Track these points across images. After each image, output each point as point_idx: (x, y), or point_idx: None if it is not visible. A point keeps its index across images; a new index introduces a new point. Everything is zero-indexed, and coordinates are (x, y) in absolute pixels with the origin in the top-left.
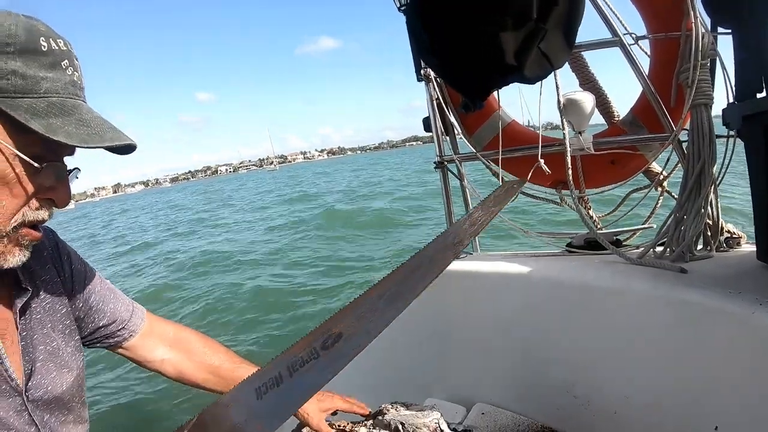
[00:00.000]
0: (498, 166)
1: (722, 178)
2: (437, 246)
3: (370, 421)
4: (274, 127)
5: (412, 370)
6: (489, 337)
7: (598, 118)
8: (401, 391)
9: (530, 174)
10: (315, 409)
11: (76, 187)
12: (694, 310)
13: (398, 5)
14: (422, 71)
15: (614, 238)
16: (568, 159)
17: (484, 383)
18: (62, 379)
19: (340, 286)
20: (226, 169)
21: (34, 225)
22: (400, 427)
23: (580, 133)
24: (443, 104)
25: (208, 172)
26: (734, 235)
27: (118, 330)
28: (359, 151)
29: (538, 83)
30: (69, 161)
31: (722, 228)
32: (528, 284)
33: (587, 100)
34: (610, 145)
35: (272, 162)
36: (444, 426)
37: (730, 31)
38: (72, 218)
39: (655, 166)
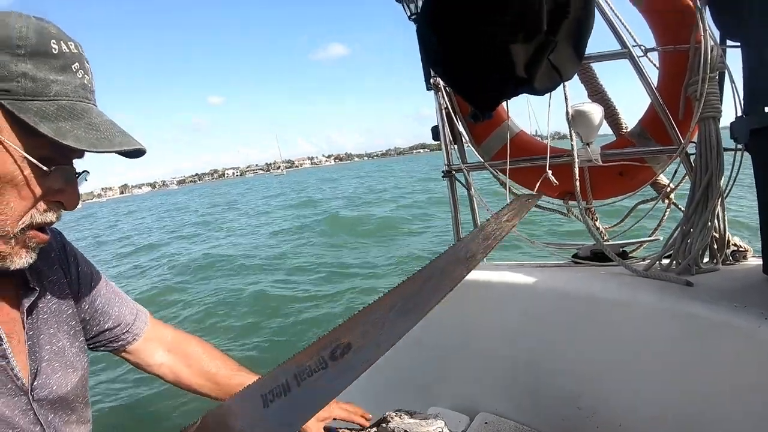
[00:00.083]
0: (506, 176)
1: (729, 191)
2: (449, 259)
3: (374, 429)
4: (282, 131)
5: (416, 378)
6: (494, 346)
7: (605, 128)
8: (404, 398)
9: (538, 184)
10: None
11: (83, 187)
12: (699, 324)
13: (408, 14)
14: (432, 80)
15: (620, 249)
16: (576, 170)
17: (488, 393)
18: (67, 379)
19: (341, 293)
20: (233, 173)
21: (42, 227)
22: None
23: (588, 144)
24: (452, 113)
25: (215, 174)
26: (740, 249)
27: (123, 333)
28: (366, 158)
29: (547, 94)
30: (78, 164)
31: (729, 241)
32: (534, 295)
33: (596, 111)
34: (618, 156)
35: (279, 166)
36: None
37: (738, 44)
38: (79, 217)
39: (663, 179)
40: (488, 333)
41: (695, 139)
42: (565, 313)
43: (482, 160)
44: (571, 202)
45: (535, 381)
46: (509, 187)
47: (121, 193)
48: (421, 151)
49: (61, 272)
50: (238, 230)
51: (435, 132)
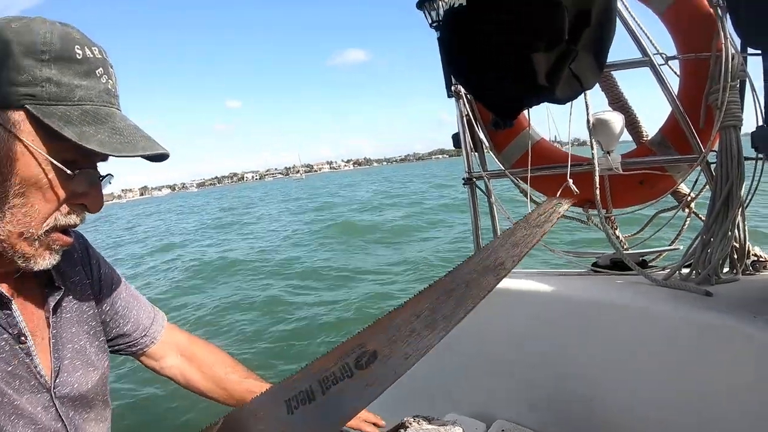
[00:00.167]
0: (526, 183)
1: (750, 200)
2: (475, 266)
3: None
4: (302, 136)
5: (433, 384)
6: (512, 354)
7: (626, 136)
8: (422, 405)
9: (559, 193)
10: None
11: (105, 189)
12: (718, 334)
13: (430, 21)
14: (453, 88)
15: (640, 258)
16: (597, 179)
17: (505, 400)
18: (87, 377)
19: (354, 297)
20: (253, 176)
21: (65, 230)
22: None
23: (608, 152)
24: (473, 121)
25: (235, 178)
26: (761, 259)
27: (141, 337)
28: (385, 162)
29: (568, 103)
30: (102, 167)
31: (749, 251)
32: (553, 303)
33: (616, 120)
34: (638, 165)
35: (298, 171)
36: None
37: (760, 52)
38: (97, 217)
39: (683, 187)
40: (507, 341)
41: (716, 147)
42: (584, 321)
43: (503, 168)
44: (591, 211)
45: (554, 389)
46: (530, 195)
47: (141, 194)
48: (440, 156)
49: (83, 273)
50: (253, 234)
51: (456, 139)
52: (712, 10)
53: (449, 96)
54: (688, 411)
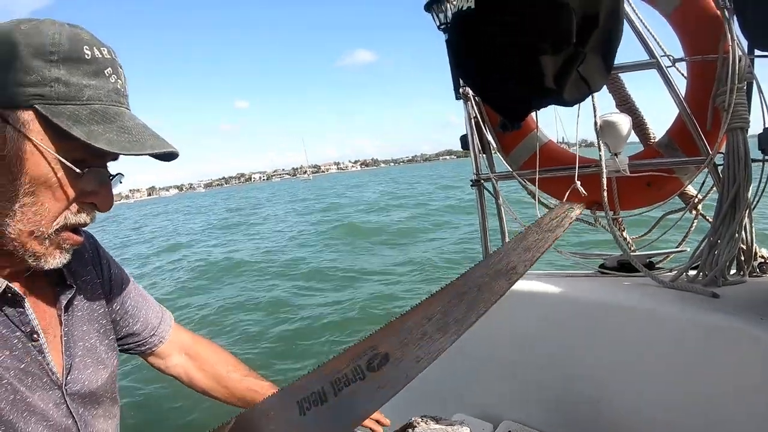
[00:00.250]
0: (534, 185)
1: (757, 202)
2: (487, 270)
3: None
4: (310, 136)
5: (441, 384)
6: (518, 355)
7: (633, 138)
8: (429, 405)
9: (566, 195)
10: None
11: (115, 189)
12: (725, 335)
13: (438, 24)
14: (461, 90)
15: (647, 260)
16: (604, 180)
17: (512, 401)
18: (98, 375)
19: (360, 298)
20: (260, 177)
21: (75, 229)
22: None
23: (616, 154)
24: (481, 123)
25: (242, 179)
26: None
27: (150, 336)
28: (392, 164)
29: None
30: (113, 166)
31: (756, 253)
32: (560, 304)
33: (624, 122)
34: (645, 167)
35: (305, 171)
36: None
37: (767, 54)
38: (105, 217)
39: (690, 189)
40: (513, 342)
41: (723, 149)
42: (591, 323)
43: (510, 170)
44: (598, 212)
45: (560, 390)
46: (538, 197)
47: (149, 194)
48: (448, 157)
49: (94, 273)
50: (260, 234)
51: (464, 141)
52: (719, 12)
53: (457, 98)
54: (695, 413)
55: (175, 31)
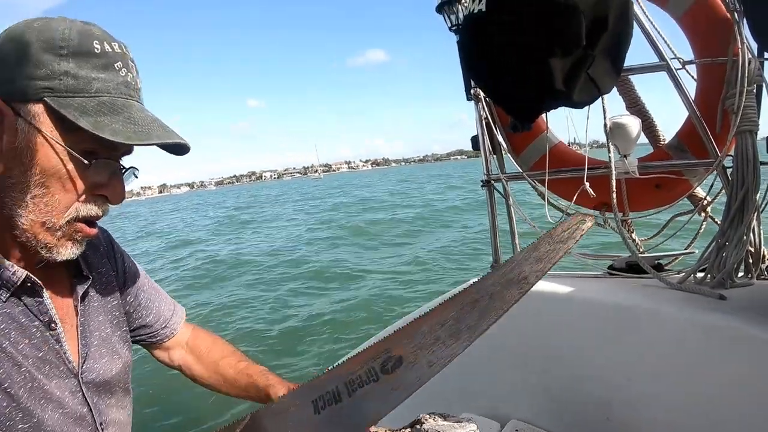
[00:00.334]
0: (544, 186)
1: (766, 205)
2: (499, 278)
3: (408, 430)
4: (321, 135)
5: (449, 383)
6: (526, 355)
7: (642, 139)
8: (437, 403)
9: (576, 196)
10: None
11: (127, 185)
12: (732, 337)
13: (449, 25)
14: (472, 90)
15: (656, 262)
16: (613, 182)
17: (520, 400)
18: (112, 365)
19: (365, 297)
20: (271, 175)
21: (88, 221)
22: None
23: (625, 156)
24: (491, 123)
25: (253, 177)
26: None
27: (162, 329)
28: (403, 163)
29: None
30: (128, 161)
31: (764, 255)
32: (568, 304)
33: (633, 124)
34: (654, 169)
35: (316, 170)
36: None
37: None
38: (117, 213)
39: (699, 191)
40: (521, 341)
41: (732, 152)
42: (599, 323)
43: (521, 171)
44: (607, 214)
45: (567, 390)
46: (547, 198)
47: (160, 192)
48: (458, 157)
49: (109, 266)
50: (267, 232)
51: (475, 142)
52: (729, 15)
53: (468, 99)
54: (696, 413)
55: (178, 31)
